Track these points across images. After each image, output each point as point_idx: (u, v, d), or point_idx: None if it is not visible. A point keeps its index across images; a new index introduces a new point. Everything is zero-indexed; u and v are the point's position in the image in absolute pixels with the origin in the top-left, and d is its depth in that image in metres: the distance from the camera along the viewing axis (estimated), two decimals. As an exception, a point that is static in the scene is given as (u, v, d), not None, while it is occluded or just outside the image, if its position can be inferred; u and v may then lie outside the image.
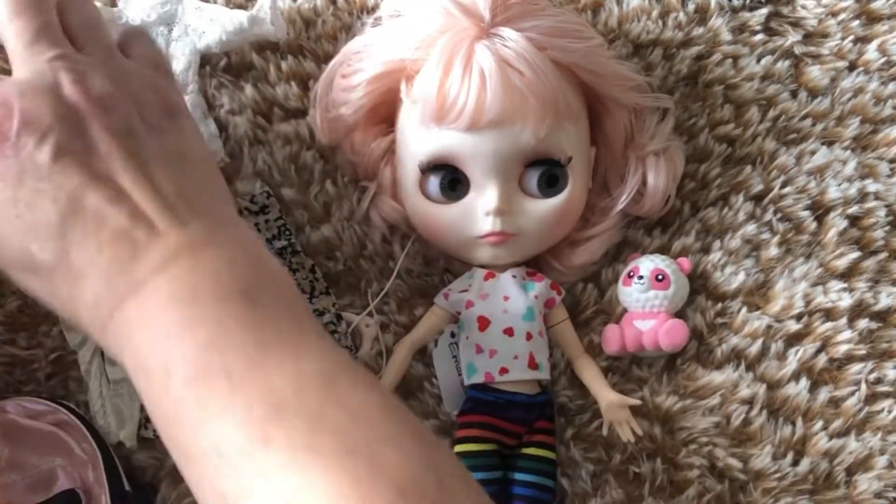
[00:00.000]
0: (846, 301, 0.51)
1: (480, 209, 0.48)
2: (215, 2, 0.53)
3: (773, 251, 0.52)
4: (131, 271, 0.38)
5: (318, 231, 0.52)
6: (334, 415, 0.35)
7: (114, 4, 0.53)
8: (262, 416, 0.35)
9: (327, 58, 0.53)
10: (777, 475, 0.49)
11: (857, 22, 0.55)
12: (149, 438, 0.49)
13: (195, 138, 0.44)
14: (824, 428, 0.50)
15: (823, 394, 0.50)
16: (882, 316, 0.52)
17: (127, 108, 0.40)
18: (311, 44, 0.53)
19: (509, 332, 0.48)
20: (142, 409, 0.49)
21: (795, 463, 0.49)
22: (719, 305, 0.51)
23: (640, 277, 0.49)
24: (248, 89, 0.53)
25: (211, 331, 0.37)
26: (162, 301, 0.38)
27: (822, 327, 0.51)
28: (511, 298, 0.49)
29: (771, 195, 0.53)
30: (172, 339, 0.37)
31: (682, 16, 0.54)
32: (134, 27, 0.44)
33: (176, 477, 0.44)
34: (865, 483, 0.49)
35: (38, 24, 0.40)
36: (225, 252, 0.39)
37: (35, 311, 0.50)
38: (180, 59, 0.52)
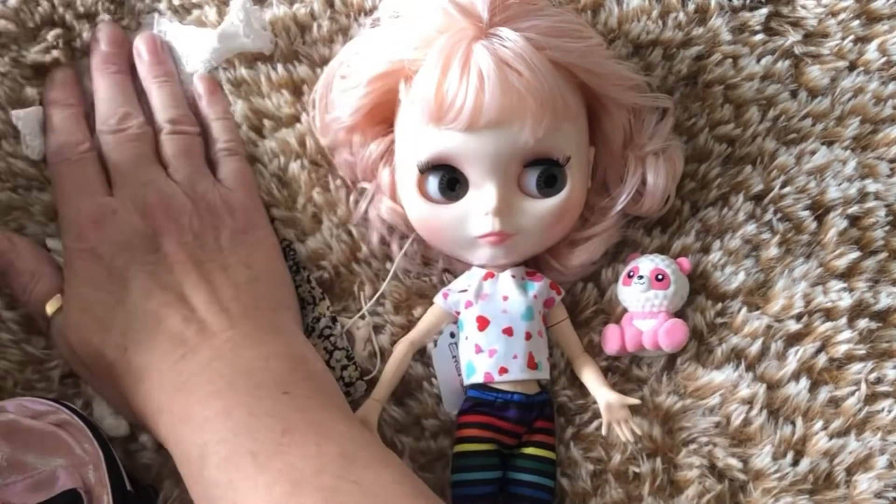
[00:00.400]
0: (846, 301, 0.51)
1: (479, 209, 0.48)
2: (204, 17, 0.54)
3: (773, 251, 0.52)
4: (180, 369, 0.43)
5: (306, 243, 0.52)
6: (347, 490, 0.39)
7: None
8: (282, 493, 0.39)
9: (324, 62, 0.53)
10: (777, 475, 0.49)
11: (857, 22, 0.55)
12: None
13: (266, 250, 0.50)
14: (824, 428, 0.49)
15: (823, 394, 0.50)
16: (882, 316, 0.52)
17: (201, 227, 0.48)
18: (308, 48, 0.54)
19: (508, 331, 0.48)
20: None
21: (795, 463, 0.49)
22: (719, 305, 0.51)
23: (640, 277, 0.49)
24: (240, 104, 0.53)
25: (243, 419, 0.41)
26: (203, 396, 0.42)
27: (822, 327, 0.51)
28: (510, 298, 0.49)
29: (771, 195, 0.52)
30: (208, 428, 0.41)
31: (682, 16, 0.54)
32: (230, 143, 0.52)
33: (178, 477, 0.44)
34: (865, 483, 0.48)
35: (139, 154, 0.49)
36: (264, 350, 0.44)
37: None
38: None
